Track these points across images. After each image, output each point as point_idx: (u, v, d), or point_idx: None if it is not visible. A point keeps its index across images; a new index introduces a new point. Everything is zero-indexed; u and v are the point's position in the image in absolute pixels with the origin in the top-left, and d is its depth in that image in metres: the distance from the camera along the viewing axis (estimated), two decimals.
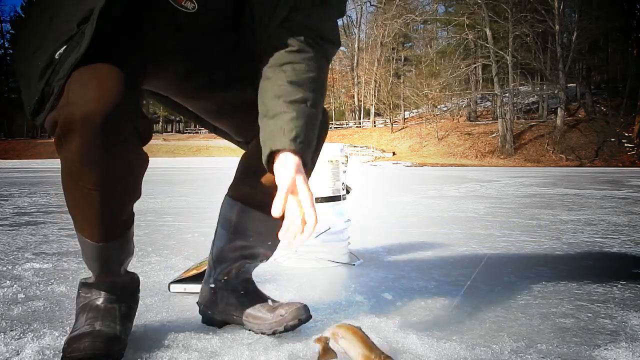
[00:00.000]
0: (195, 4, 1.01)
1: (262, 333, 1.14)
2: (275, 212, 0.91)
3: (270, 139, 0.96)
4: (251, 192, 1.13)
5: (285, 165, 0.94)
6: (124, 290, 1.11)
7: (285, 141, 0.95)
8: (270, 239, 1.17)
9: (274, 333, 1.13)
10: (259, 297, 1.20)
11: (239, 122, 1.17)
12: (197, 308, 1.25)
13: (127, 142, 0.91)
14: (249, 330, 1.17)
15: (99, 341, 0.98)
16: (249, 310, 1.17)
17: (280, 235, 0.94)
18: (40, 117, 0.92)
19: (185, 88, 1.16)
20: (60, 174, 0.99)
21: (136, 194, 1.01)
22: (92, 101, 0.85)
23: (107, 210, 0.97)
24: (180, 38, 1.07)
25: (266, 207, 1.11)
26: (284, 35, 1.02)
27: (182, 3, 1.00)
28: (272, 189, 1.07)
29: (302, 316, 1.13)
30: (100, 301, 1.08)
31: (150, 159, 1.02)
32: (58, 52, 0.90)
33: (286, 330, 1.12)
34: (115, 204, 0.98)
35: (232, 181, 1.18)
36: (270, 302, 1.18)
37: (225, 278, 1.20)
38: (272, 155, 0.96)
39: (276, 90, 0.99)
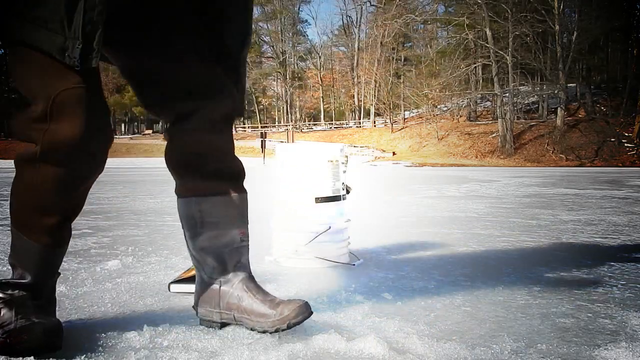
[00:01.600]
0: None
1: (264, 331, 1.14)
2: None
3: None
4: (198, 184, 1.19)
5: None
6: (50, 290, 1.13)
7: None
8: (236, 216, 1.21)
9: (276, 331, 1.13)
10: (260, 294, 1.20)
11: (160, 95, 1.16)
12: None
13: (99, 166, 1.09)
14: (251, 329, 1.17)
15: (44, 334, 1.00)
16: (251, 307, 1.16)
17: None
18: (92, 61, 0.93)
19: (128, 40, 1.12)
20: None
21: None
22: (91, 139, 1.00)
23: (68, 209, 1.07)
24: None
25: (216, 189, 1.19)
26: None
27: None
28: (214, 173, 1.17)
29: (305, 313, 1.14)
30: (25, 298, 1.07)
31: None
32: None
33: (289, 327, 1.12)
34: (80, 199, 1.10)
35: (175, 184, 1.23)
36: (271, 298, 1.19)
37: (222, 278, 1.20)
38: None
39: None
